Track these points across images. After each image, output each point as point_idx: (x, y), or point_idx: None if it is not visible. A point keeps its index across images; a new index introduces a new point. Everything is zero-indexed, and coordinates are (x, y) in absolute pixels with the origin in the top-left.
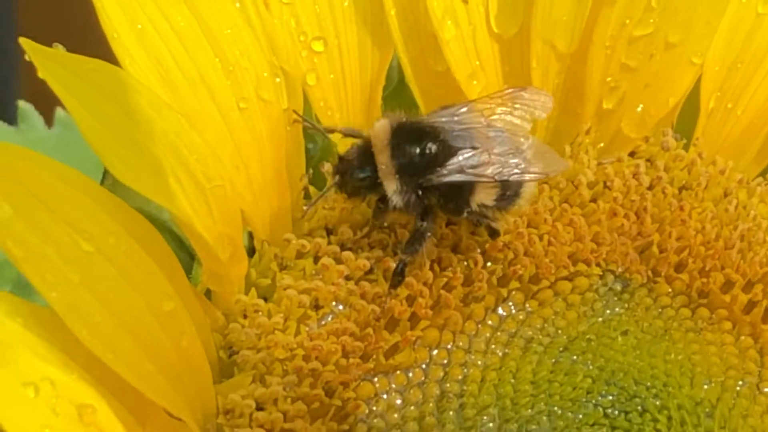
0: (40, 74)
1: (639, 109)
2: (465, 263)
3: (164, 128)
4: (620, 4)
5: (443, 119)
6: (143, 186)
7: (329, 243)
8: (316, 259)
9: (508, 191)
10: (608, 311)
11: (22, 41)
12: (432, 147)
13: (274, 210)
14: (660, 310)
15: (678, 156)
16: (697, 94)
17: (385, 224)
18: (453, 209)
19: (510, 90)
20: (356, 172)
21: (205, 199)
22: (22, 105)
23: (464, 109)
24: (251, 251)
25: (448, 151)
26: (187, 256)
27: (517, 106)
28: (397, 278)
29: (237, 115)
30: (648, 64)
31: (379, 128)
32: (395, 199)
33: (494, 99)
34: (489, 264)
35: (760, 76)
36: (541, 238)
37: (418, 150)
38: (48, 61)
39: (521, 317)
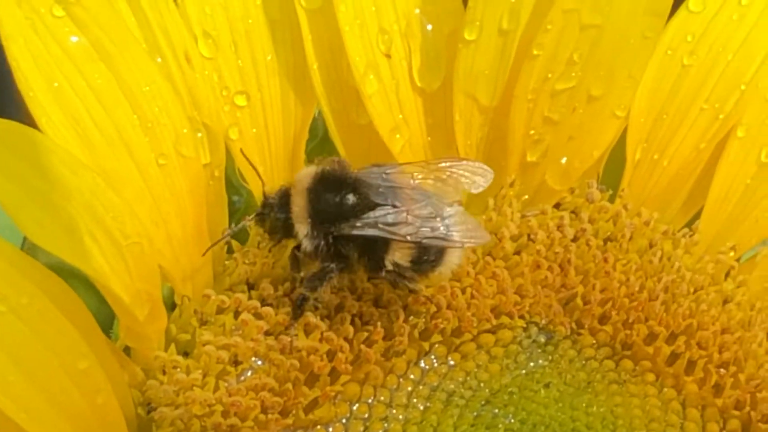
0: None
1: (563, 161)
2: (387, 317)
3: (79, 187)
4: (542, 58)
5: (371, 175)
6: (57, 246)
7: (250, 298)
8: (237, 315)
9: (427, 255)
10: (532, 363)
11: None
12: (350, 197)
13: (194, 265)
14: (584, 362)
15: (603, 207)
16: (623, 144)
17: (301, 274)
18: (370, 266)
19: (448, 160)
20: (274, 212)
21: (122, 256)
22: None
23: (395, 170)
24: (172, 306)
25: (366, 205)
26: (109, 310)
27: (450, 174)
28: (297, 311)
29: (156, 172)
30: (571, 117)
31: (304, 173)
32: (305, 244)
33: (430, 165)
34: (411, 318)
35: (686, 127)
36: (463, 291)
37: (334, 198)
38: None
39: (443, 370)
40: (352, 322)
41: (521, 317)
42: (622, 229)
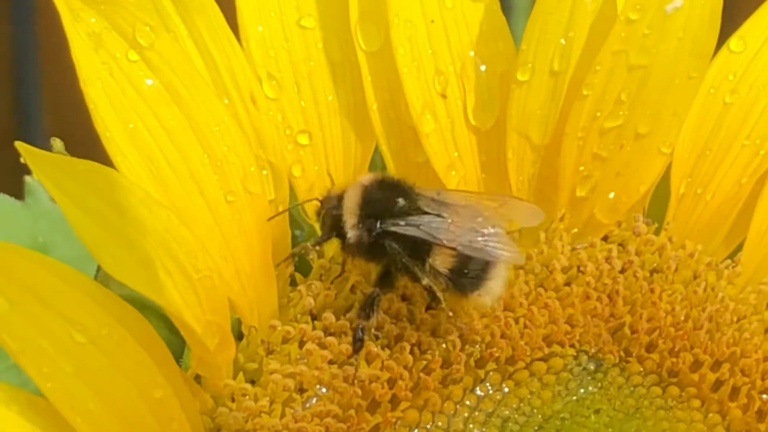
0: (35, 176)
1: (611, 196)
2: (444, 346)
3: (154, 224)
4: (591, 98)
5: (426, 190)
6: (134, 280)
7: (314, 329)
8: (301, 344)
9: (467, 269)
10: (582, 390)
11: (18, 145)
12: (400, 200)
13: (261, 297)
14: (632, 388)
15: (649, 240)
16: (668, 179)
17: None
18: (411, 273)
19: (503, 196)
20: (330, 205)
21: (194, 289)
22: (29, 180)
23: (450, 192)
24: (240, 336)
25: (414, 210)
26: (179, 340)
27: (502, 203)
28: (357, 344)
29: (225, 208)
30: (619, 154)
31: (365, 176)
32: (350, 234)
33: (483, 194)
34: (467, 347)
35: (727, 163)
36: (517, 321)
37: (386, 197)
38: (42, 163)
39: (498, 397)
40: (411, 351)
41: (572, 346)
42: (668, 261)
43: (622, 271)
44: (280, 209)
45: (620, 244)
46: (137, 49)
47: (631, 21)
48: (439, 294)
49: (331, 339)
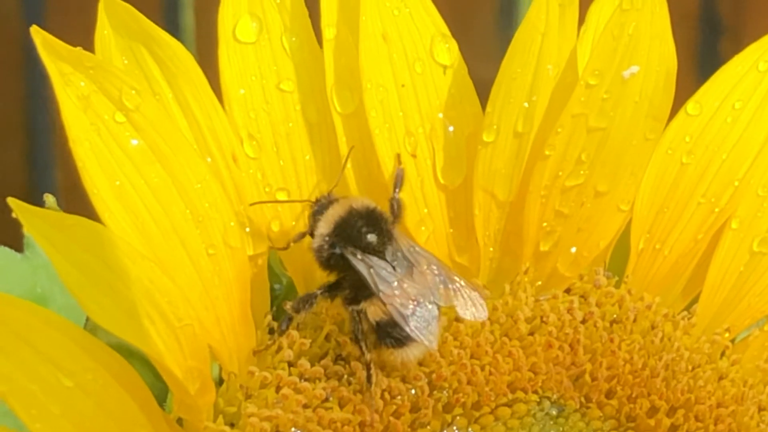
0: (26, 229)
1: (573, 250)
2: (413, 392)
3: (138, 275)
4: (553, 158)
5: (403, 239)
6: (119, 328)
7: (290, 374)
8: (278, 389)
9: (390, 330)
10: None
11: (10, 201)
12: (372, 236)
13: (240, 345)
14: None
15: (609, 293)
16: (629, 234)
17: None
18: (347, 302)
19: (463, 281)
20: (319, 208)
21: (176, 337)
22: (28, 234)
23: (423, 252)
24: (220, 381)
25: (377, 251)
26: (163, 384)
27: (456, 289)
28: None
29: (206, 261)
30: (580, 211)
31: (359, 198)
32: (317, 240)
33: (450, 272)
34: (435, 392)
35: (684, 220)
36: (482, 368)
37: (363, 228)
38: (33, 218)
39: None
40: (382, 396)
41: (535, 392)
42: (627, 312)
43: (583, 322)
44: (260, 262)
45: (582, 296)
46: (124, 111)
47: (590, 86)
48: (362, 344)
49: (305, 384)
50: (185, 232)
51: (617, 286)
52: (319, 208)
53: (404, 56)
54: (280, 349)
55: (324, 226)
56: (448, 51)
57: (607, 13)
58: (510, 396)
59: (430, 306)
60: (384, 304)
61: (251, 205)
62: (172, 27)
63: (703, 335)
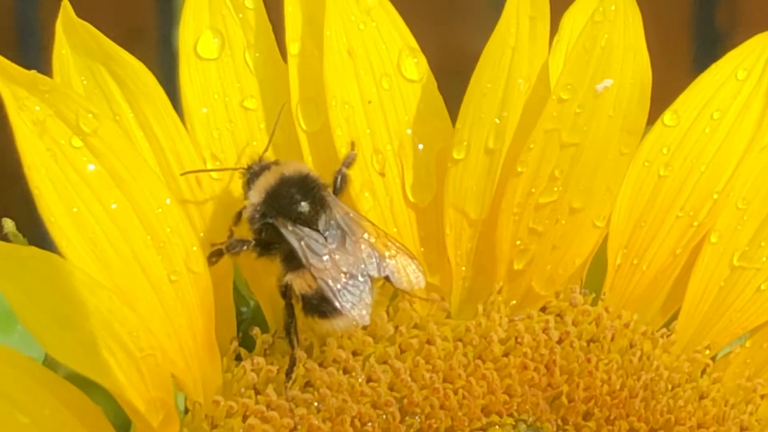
0: None
1: (548, 268)
2: (384, 417)
3: (97, 305)
4: (526, 174)
5: (339, 208)
6: (77, 361)
7: (256, 403)
8: (245, 418)
9: (317, 302)
10: None
11: None
12: (304, 206)
13: (205, 372)
14: None
15: (586, 311)
16: (605, 250)
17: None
18: (280, 272)
19: (401, 249)
20: (251, 174)
21: (138, 368)
22: None
23: (360, 219)
24: (186, 410)
25: (310, 220)
26: (126, 415)
27: (395, 253)
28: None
29: (168, 288)
30: (554, 228)
31: (293, 163)
32: (248, 210)
33: (388, 239)
34: (407, 418)
35: (663, 234)
36: (456, 392)
37: (294, 197)
38: None
39: None
40: (352, 424)
41: (510, 415)
42: (604, 330)
43: (559, 342)
44: (225, 286)
45: (558, 315)
46: (81, 136)
47: (562, 100)
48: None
49: (272, 413)
50: (146, 258)
51: (594, 303)
52: (251, 175)
53: (371, 72)
54: (244, 374)
55: (255, 195)
56: (416, 65)
57: (581, 23)
58: (484, 420)
59: (362, 279)
60: (314, 278)
61: (182, 174)
62: (166, 15)
63: (683, 353)
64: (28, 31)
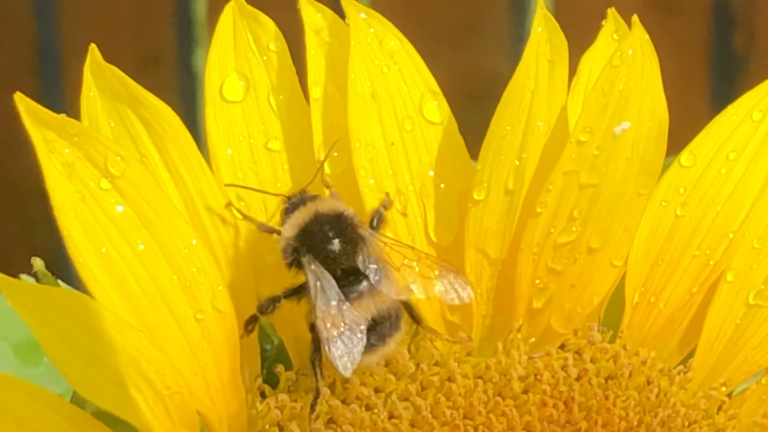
0: (9, 302)
1: (566, 307)
2: None
3: (125, 345)
4: (545, 215)
5: (376, 245)
6: (105, 400)
7: None
8: None
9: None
10: None
11: None
12: (335, 244)
13: (231, 409)
14: None
15: (603, 348)
16: (623, 288)
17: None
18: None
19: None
20: (288, 207)
21: (165, 405)
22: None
23: (405, 248)
24: None
25: (338, 259)
26: None
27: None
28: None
29: (194, 326)
30: (572, 268)
31: (330, 200)
32: (283, 242)
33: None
34: None
35: (680, 273)
36: (476, 428)
37: (327, 235)
38: (16, 291)
39: None
40: None
41: None
42: (622, 368)
43: (577, 379)
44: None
45: (576, 352)
46: (109, 178)
47: (581, 142)
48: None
49: None
50: (173, 298)
51: (612, 341)
52: (290, 206)
53: (394, 114)
54: (268, 411)
55: (289, 229)
56: (438, 108)
57: (599, 66)
58: None
59: (359, 335)
60: (315, 317)
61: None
62: (185, 39)
63: (699, 390)
64: (50, 59)
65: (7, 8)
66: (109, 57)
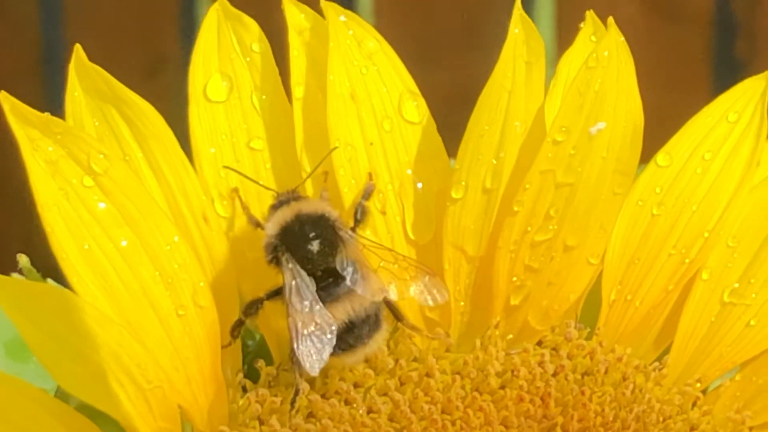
0: None
1: (544, 304)
2: None
3: (107, 339)
4: (522, 213)
5: (353, 247)
6: (87, 393)
7: None
8: None
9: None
10: None
11: None
12: (314, 245)
13: (212, 404)
14: None
15: (580, 345)
16: (600, 286)
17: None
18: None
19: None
20: (276, 204)
21: (146, 399)
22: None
23: (382, 251)
24: None
25: (315, 260)
26: None
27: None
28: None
29: (176, 322)
30: (549, 265)
31: (315, 201)
32: (266, 240)
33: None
34: None
35: (655, 271)
36: (453, 423)
37: (307, 236)
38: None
39: None
40: None
41: None
42: (598, 364)
43: (554, 375)
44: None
45: (553, 349)
46: (92, 175)
47: (557, 142)
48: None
49: None
50: (154, 294)
51: (588, 337)
52: (277, 203)
53: (373, 114)
54: (248, 405)
55: (271, 227)
56: (416, 108)
57: (576, 67)
58: None
59: (329, 336)
60: (287, 314)
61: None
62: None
63: (674, 386)
64: (56, 63)
65: (13, 12)
66: (114, 61)
